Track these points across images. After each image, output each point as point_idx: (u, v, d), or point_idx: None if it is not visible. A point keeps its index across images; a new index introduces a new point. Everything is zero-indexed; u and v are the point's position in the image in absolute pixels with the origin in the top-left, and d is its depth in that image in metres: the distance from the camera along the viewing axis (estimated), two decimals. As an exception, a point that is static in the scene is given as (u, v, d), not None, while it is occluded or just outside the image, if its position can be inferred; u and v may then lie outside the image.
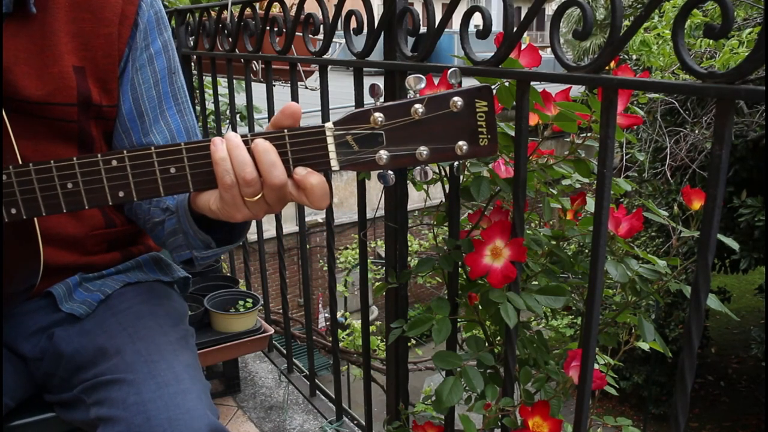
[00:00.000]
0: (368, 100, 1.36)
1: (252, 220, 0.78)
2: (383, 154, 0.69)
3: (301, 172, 0.70)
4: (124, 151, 0.72)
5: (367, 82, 1.37)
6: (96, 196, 0.73)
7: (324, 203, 0.71)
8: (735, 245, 0.97)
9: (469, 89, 0.68)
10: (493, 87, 1.01)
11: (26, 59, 0.87)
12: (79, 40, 0.90)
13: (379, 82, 1.22)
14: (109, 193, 0.73)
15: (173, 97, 0.99)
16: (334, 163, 0.71)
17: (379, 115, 0.68)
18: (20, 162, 0.81)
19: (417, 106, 0.68)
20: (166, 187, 0.73)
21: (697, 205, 0.95)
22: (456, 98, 0.68)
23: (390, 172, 0.71)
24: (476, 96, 0.68)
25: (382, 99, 0.71)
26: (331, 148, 0.70)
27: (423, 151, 0.69)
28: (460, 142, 0.69)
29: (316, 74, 1.59)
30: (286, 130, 0.70)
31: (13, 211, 0.74)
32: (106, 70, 0.93)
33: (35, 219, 0.81)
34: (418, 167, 0.71)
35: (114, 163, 0.72)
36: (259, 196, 0.71)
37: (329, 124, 0.70)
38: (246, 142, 0.70)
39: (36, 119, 0.89)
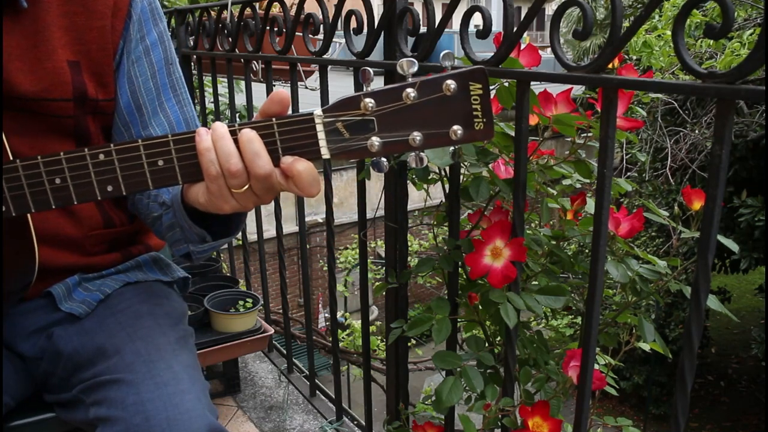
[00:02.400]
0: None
1: (242, 211, 0.77)
2: (375, 140, 0.67)
3: (287, 160, 0.69)
4: (111, 145, 0.71)
5: (367, 82, 1.38)
6: (84, 191, 0.72)
7: (314, 190, 0.70)
8: (735, 247, 0.97)
9: (462, 71, 0.66)
10: (492, 87, 1.01)
11: (19, 55, 0.86)
12: (73, 34, 0.89)
13: (379, 82, 1.22)
14: (97, 188, 0.72)
15: (171, 89, 0.98)
16: (325, 151, 0.69)
17: (369, 101, 0.66)
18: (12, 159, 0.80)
19: (409, 90, 0.66)
20: (155, 180, 0.72)
21: (697, 205, 0.95)
22: (449, 81, 0.65)
23: (383, 159, 0.69)
24: (470, 78, 0.66)
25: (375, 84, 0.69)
26: (321, 135, 0.68)
27: (416, 136, 0.67)
28: (455, 127, 0.67)
29: (316, 74, 1.59)
30: (274, 119, 0.69)
31: (2, 208, 0.74)
32: (102, 64, 0.92)
33: (28, 216, 0.81)
34: (413, 154, 0.69)
35: (101, 157, 0.71)
36: (246, 187, 0.70)
37: (318, 111, 0.68)
38: (233, 132, 0.69)
39: (32, 116, 0.89)
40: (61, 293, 0.97)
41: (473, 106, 0.67)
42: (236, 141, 0.68)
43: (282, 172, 0.69)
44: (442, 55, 0.68)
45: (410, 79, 0.67)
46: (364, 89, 0.68)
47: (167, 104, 0.97)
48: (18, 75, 0.86)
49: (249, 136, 0.68)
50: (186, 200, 0.80)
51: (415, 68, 0.67)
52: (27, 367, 0.98)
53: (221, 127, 0.69)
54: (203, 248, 0.89)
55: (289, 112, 0.71)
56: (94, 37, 0.91)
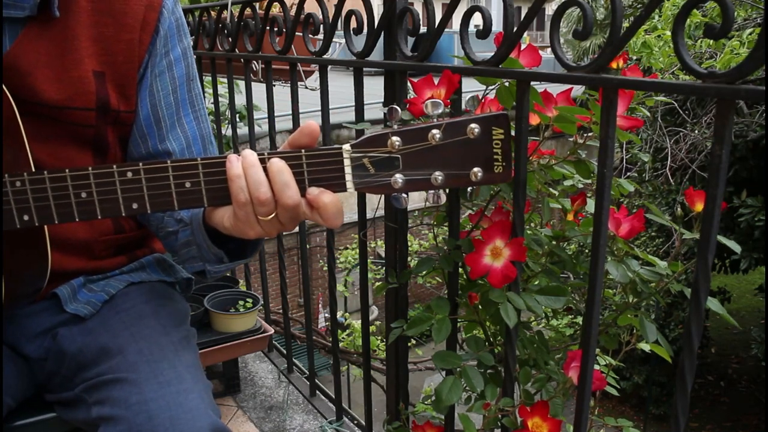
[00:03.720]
0: (368, 100, 1.37)
1: (265, 237, 0.78)
2: (399, 178, 0.70)
3: (313, 191, 0.70)
4: (140, 164, 0.72)
5: (367, 81, 1.38)
6: (109, 207, 0.74)
7: (338, 221, 0.71)
8: (737, 248, 0.96)
9: (487, 116, 0.69)
10: (492, 87, 1.01)
11: (47, 62, 0.87)
12: (100, 45, 0.90)
13: (379, 82, 1.22)
14: (122, 205, 0.73)
15: (190, 104, 0.99)
16: (350, 185, 0.71)
17: (396, 139, 0.69)
18: (32, 165, 0.81)
19: (434, 131, 0.68)
20: (180, 201, 0.73)
21: (700, 206, 0.95)
22: (473, 125, 0.68)
23: (403, 195, 0.71)
24: (493, 123, 0.69)
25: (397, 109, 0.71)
26: (348, 170, 0.70)
27: (438, 176, 0.69)
28: (475, 169, 0.69)
29: (316, 74, 1.59)
30: (303, 151, 0.71)
31: (26, 217, 0.75)
32: (126, 76, 0.93)
33: None
34: (432, 191, 0.71)
35: (129, 174, 0.72)
36: (273, 215, 0.72)
37: (347, 146, 0.70)
38: (262, 161, 0.70)
39: (53, 123, 0.89)
40: (66, 294, 0.98)
41: (494, 150, 0.69)
42: (265, 169, 0.70)
43: (308, 202, 0.71)
44: (467, 99, 0.71)
45: (436, 120, 0.69)
46: (391, 126, 0.70)
47: (185, 119, 0.99)
48: (44, 82, 0.87)
49: (279, 166, 0.70)
50: (208, 221, 0.81)
51: (440, 110, 0.69)
52: (30, 368, 0.98)
53: (252, 155, 0.70)
54: (219, 268, 0.91)
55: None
56: (121, 50, 0.92)
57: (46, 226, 0.83)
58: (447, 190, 1.08)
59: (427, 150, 0.69)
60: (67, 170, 0.73)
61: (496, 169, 0.70)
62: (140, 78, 0.95)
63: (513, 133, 0.96)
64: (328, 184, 0.71)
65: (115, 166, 0.72)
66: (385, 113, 0.73)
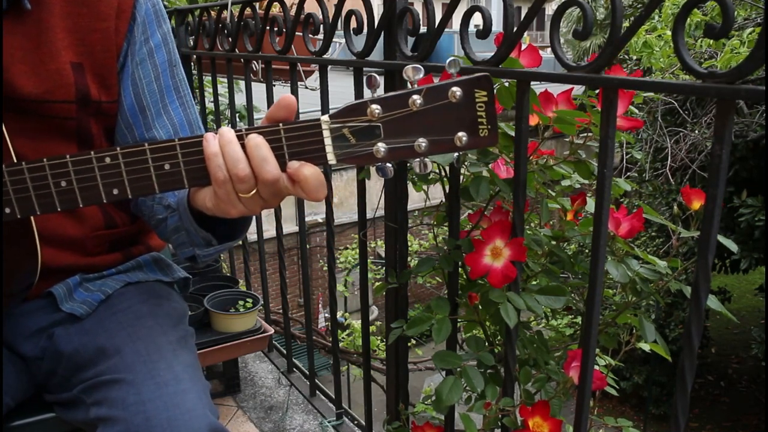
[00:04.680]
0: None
1: (249, 215, 0.77)
2: (381, 146, 0.68)
3: (293, 165, 0.69)
4: (118, 149, 0.71)
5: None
6: (90, 194, 0.73)
7: (321, 194, 0.70)
8: (734, 247, 0.97)
9: (468, 79, 0.66)
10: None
11: (22, 57, 0.86)
12: (76, 36, 0.89)
13: (379, 82, 1.22)
14: (103, 191, 0.72)
15: (175, 90, 0.98)
16: (331, 157, 0.69)
17: (376, 107, 0.67)
18: (15, 160, 0.80)
19: (415, 97, 0.66)
20: (161, 184, 0.72)
21: (697, 205, 0.95)
22: (455, 88, 0.66)
23: (389, 164, 0.70)
24: (475, 86, 0.66)
25: (380, 90, 0.70)
26: (328, 141, 0.69)
27: (422, 143, 0.67)
28: (460, 133, 0.67)
29: (316, 74, 1.59)
30: (281, 124, 0.69)
31: (8, 210, 0.74)
32: (105, 65, 0.92)
33: (32, 217, 0.81)
34: (417, 159, 0.69)
35: (107, 160, 0.71)
36: (254, 191, 0.71)
37: (325, 117, 0.68)
38: (240, 137, 0.69)
39: (34, 118, 0.88)
40: (62, 293, 0.97)
41: (478, 113, 0.67)
42: (243, 146, 0.69)
43: (289, 176, 0.70)
44: (447, 62, 0.68)
45: (416, 86, 0.67)
46: (371, 95, 0.69)
47: (171, 106, 0.97)
48: (21, 77, 0.86)
49: (256, 141, 0.68)
50: (192, 204, 0.80)
51: (421, 75, 0.67)
52: (28, 367, 0.98)
53: (229, 132, 0.69)
54: (209, 251, 0.90)
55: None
56: (98, 39, 0.90)
57: (33, 221, 0.82)
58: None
59: (409, 116, 0.67)
60: (45, 159, 0.71)
61: (481, 133, 0.67)
62: (121, 67, 0.94)
63: (513, 133, 0.96)
64: (308, 157, 0.69)
65: (93, 153, 0.71)
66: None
